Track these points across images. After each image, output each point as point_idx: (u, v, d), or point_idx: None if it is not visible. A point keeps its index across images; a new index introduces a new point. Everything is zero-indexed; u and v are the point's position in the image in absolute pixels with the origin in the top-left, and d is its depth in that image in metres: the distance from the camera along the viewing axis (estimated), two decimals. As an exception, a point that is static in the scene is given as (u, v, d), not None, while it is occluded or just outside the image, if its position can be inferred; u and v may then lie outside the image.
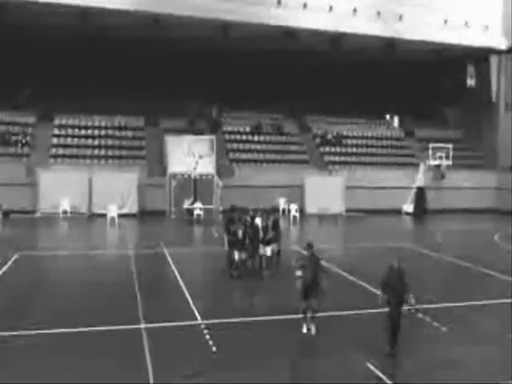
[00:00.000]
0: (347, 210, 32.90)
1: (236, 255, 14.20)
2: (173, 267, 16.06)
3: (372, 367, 8.66)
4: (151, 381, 8.00)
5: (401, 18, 33.04)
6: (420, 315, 11.51)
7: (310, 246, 10.53)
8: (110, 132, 34.50)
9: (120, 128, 34.89)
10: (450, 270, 17.42)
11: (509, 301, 13.05)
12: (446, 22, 33.99)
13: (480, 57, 37.13)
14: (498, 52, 36.86)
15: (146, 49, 33.36)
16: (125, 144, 33.74)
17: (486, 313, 12.31)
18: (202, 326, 10.47)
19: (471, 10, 34.75)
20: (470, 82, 38.38)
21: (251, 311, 11.93)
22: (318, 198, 32.40)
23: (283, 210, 31.56)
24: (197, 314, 11.26)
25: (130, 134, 34.68)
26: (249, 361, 8.96)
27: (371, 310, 11.60)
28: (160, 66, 34.56)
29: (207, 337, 9.85)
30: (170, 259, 17.30)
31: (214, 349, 9.28)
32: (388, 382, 8.22)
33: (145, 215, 29.79)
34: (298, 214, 29.87)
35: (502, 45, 36.30)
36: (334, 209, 32.68)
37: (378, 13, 32.57)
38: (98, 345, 9.56)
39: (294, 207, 30.24)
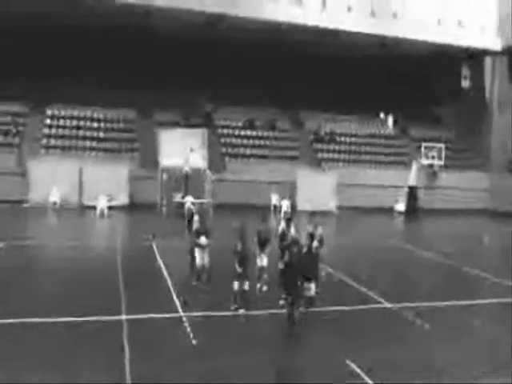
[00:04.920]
0: (339, 208, 32.86)
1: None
2: (159, 260, 15.96)
3: (351, 363, 8.60)
4: (127, 370, 7.93)
5: (395, 16, 33.00)
6: (404, 313, 11.49)
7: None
8: (102, 124, 34.28)
9: (112, 120, 34.69)
10: (435, 268, 17.40)
11: (495, 301, 13.09)
12: (439, 22, 33.99)
13: (475, 57, 37.18)
14: (493, 53, 36.89)
15: (140, 40, 33.21)
16: (117, 136, 33.54)
17: (470, 312, 12.28)
18: (184, 319, 10.40)
19: (466, 11, 34.81)
20: (465, 82, 38.47)
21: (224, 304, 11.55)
22: (309, 194, 32.31)
23: (275, 207, 31.48)
24: (178, 306, 11.18)
25: (122, 126, 34.49)
26: (228, 353, 8.89)
27: (355, 307, 11.58)
28: (153, 58, 34.44)
29: (188, 329, 9.78)
30: (156, 252, 17.19)
31: (194, 342, 9.20)
32: (366, 378, 8.16)
33: (135, 208, 29.64)
34: (289, 211, 29.73)
35: (497, 46, 36.32)
36: (326, 206, 32.61)
37: (373, 11, 32.51)
38: (76, 335, 9.47)
39: (285, 203, 30.13)
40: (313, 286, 10.69)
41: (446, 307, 12.35)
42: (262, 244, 12.41)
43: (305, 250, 11.00)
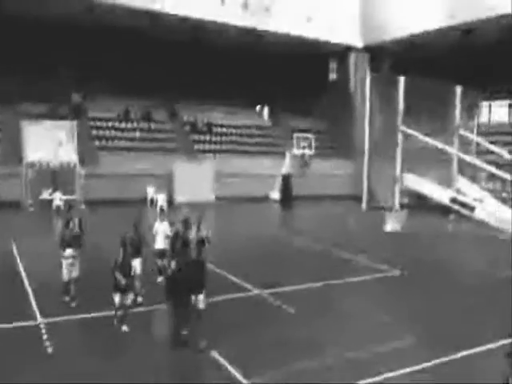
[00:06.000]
0: (217, 198, 33.15)
1: (117, 298, 9.62)
2: (19, 263, 14.86)
3: (217, 355, 8.72)
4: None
5: (267, 9, 33.94)
6: (271, 299, 11.94)
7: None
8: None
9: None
10: (306, 253, 18.32)
11: (356, 279, 14.12)
12: (309, 19, 35.70)
13: (341, 53, 39.75)
14: (356, 50, 39.70)
15: (5, 24, 30.33)
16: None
17: (337, 293, 13.08)
18: (41, 326, 9.80)
19: (334, 10, 37.08)
20: (332, 75, 40.90)
21: (89, 307, 11.02)
22: (187, 186, 32.15)
23: (151, 200, 30.89)
24: (37, 313, 10.51)
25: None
26: (81, 360, 8.56)
27: (222, 297, 11.78)
28: (17, 43, 31.69)
29: (44, 337, 9.23)
30: (17, 255, 15.99)
31: (49, 350, 8.72)
32: (231, 368, 8.33)
33: (-2, 207, 27.26)
34: (165, 204, 29.36)
35: (359, 43, 39.18)
36: (204, 197, 32.69)
37: (245, 4, 33.10)
38: None
39: (161, 197, 29.72)
40: (202, 297, 9.39)
41: (314, 288, 13.06)
42: (135, 251, 11.10)
43: (193, 256, 9.71)
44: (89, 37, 32.98)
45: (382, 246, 19.42)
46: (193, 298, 9.17)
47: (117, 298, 9.54)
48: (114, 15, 31.26)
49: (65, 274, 11.13)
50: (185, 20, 31.98)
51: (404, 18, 34.78)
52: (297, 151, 37.64)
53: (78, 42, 33.03)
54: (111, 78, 33.69)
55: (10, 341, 9.26)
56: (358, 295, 12.94)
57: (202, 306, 9.34)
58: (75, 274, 11.18)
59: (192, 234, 11.97)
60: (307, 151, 37.82)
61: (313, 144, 38.00)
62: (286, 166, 36.14)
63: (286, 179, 35.74)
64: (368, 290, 13.62)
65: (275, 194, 35.66)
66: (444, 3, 32.83)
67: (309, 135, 38.34)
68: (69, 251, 11.12)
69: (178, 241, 11.33)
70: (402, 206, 22.01)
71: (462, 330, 10.27)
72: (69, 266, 11.11)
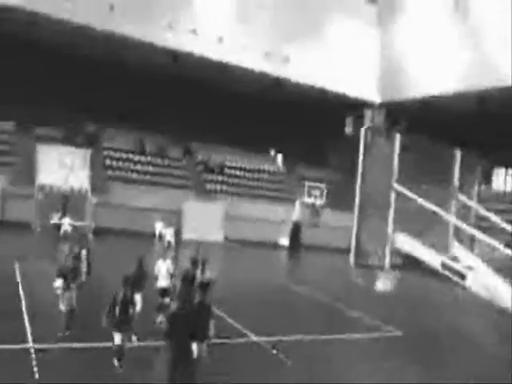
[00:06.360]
0: (226, 239, 32.97)
1: (116, 337, 9.11)
2: (19, 285, 14.69)
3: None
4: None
5: (287, 59, 34.75)
6: (267, 347, 11.61)
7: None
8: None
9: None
10: (309, 304, 17.93)
11: (358, 336, 13.73)
12: (327, 70, 36.42)
13: (357, 107, 40.21)
14: (372, 105, 40.23)
15: (24, 51, 31.36)
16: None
17: (328, 345, 12.69)
18: (31, 350, 9.55)
19: (352, 65, 37.84)
20: (348, 129, 41.30)
21: (82, 336, 10.69)
22: (196, 224, 32.07)
23: (160, 235, 30.73)
24: (29, 337, 10.27)
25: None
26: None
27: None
28: (39, 71, 32.63)
29: (34, 362, 8.98)
30: (19, 276, 15.84)
31: (37, 376, 8.46)
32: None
33: (7, 226, 27.31)
34: (173, 240, 29.21)
35: (376, 99, 39.73)
36: (212, 236, 32.53)
37: (267, 52, 33.93)
38: None
39: (169, 232, 29.56)
40: (204, 347, 8.71)
41: (308, 341, 12.68)
42: (137, 286, 10.83)
43: (197, 299, 9.01)
44: (108, 71, 33.85)
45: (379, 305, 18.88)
46: (194, 346, 8.31)
47: (116, 338, 9.00)
48: (141, 53, 32.19)
49: (61, 305, 10.84)
50: (209, 62, 32.75)
51: (422, 79, 35.39)
52: (307, 200, 37.61)
53: (97, 75, 33.88)
54: (129, 111, 34.36)
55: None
56: (357, 353, 12.54)
57: (203, 355, 8.54)
58: (67, 305, 10.65)
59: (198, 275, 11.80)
60: (318, 201, 37.75)
61: (324, 194, 37.94)
62: (296, 214, 36.05)
63: (296, 227, 35.58)
64: (366, 348, 13.21)
65: (284, 241, 35.41)
66: (460, 68, 33.32)
67: (321, 185, 38.35)
68: (58, 282, 10.75)
69: (186, 280, 11.14)
70: (394, 266, 21.39)
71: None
72: (60, 297, 10.81)
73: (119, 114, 33.88)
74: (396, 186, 7.65)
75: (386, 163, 7.62)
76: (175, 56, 31.92)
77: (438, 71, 34.37)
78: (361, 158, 7.56)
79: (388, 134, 7.64)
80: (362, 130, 7.58)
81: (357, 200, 7.62)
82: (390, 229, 7.64)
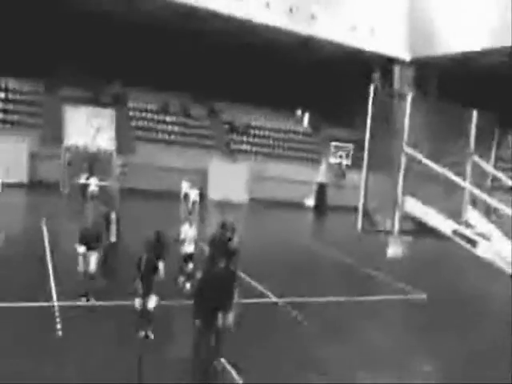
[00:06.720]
0: (251, 200, 32.99)
1: (137, 303, 8.99)
2: (46, 244, 15.07)
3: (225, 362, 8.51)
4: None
5: (313, 17, 33.56)
6: (288, 309, 11.68)
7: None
8: (1, 95, 31.88)
9: (15, 91, 32.37)
10: (334, 265, 17.92)
11: (379, 298, 13.67)
12: (353, 28, 35.02)
13: (385, 64, 38.90)
14: (401, 62, 38.79)
15: (55, 12, 31.13)
16: (19, 109, 31.36)
17: (352, 308, 12.69)
18: (56, 308, 9.85)
19: (379, 20, 36.23)
20: (375, 86, 40.01)
21: (106, 293, 11.00)
22: (221, 184, 32.12)
23: (185, 195, 30.95)
24: (54, 294, 10.57)
25: (24, 98, 32.27)
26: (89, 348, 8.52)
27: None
28: (68, 32, 32.42)
29: (57, 319, 9.26)
30: (46, 236, 16.24)
31: (59, 333, 8.72)
32: (235, 376, 8.11)
33: (35, 186, 27.96)
34: (198, 199, 29.39)
35: (406, 56, 38.18)
36: (237, 197, 32.58)
37: (291, 9, 32.80)
38: None
39: (194, 192, 29.73)
40: (231, 316, 8.37)
41: (331, 303, 12.70)
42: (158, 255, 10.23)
43: (222, 265, 8.67)
44: (133, 32, 33.33)
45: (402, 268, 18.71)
46: (219, 316, 8.09)
47: (137, 303, 8.94)
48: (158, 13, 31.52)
49: (80, 266, 10.76)
50: (232, 20, 31.89)
51: (453, 35, 33.73)
52: (333, 160, 37.13)
53: (123, 36, 33.45)
54: (154, 70, 34.02)
55: (23, 320, 9.32)
56: (377, 316, 12.52)
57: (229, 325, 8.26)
58: (91, 268, 10.69)
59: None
60: (344, 161, 37.24)
61: (350, 154, 37.35)
62: (321, 174, 35.71)
63: (322, 187, 35.32)
64: (388, 311, 13.17)
65: (310, 201, 35.25)
66: (493, 23, 31.54)
67: (348, 145, 37.70)
68: (82, 249, 10.69)
69: (213, 245, 11.15)
70: (405, 231, 20.89)
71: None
72: (81, 261, 10.77)
73: (145, 74, 33.62)
74: (407, 148, 7.32)
75: (396, 124, 7.27)
76: (196, 11, 31.07)
77: (470, 27, 32.69)
78: (369, 117, 7.20)
79: (399, 93, 7.25)
80: (371, 88, 7.17)
81: (365, 162, 7.31)
82: (399, 192, 7.37)
